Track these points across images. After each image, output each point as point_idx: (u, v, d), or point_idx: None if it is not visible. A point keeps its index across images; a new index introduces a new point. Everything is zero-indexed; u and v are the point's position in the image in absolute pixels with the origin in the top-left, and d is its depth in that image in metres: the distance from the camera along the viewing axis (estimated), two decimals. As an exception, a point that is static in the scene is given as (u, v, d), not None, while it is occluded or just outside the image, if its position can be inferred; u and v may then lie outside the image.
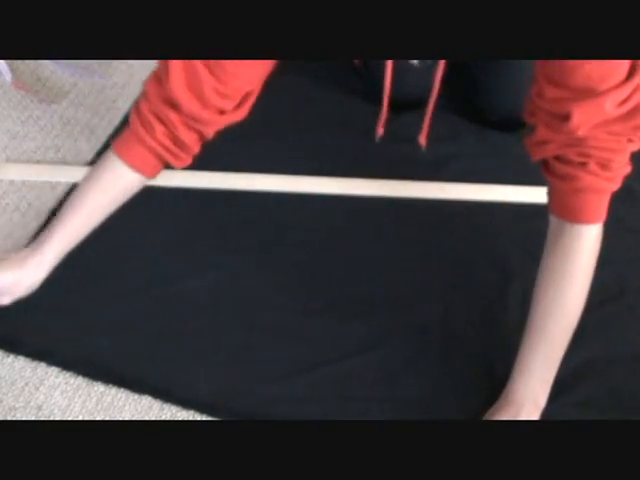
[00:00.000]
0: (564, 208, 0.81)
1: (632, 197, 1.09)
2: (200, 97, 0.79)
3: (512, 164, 1.12)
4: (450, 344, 0.92)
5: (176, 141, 0.83)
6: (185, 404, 0.86)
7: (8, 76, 1.19)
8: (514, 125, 1.14)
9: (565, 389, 0.88)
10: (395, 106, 1.15)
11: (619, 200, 1.08)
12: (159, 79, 0.80)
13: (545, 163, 0.81)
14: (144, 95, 0.82)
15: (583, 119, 0.73)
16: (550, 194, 0.83)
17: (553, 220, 0.84)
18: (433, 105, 1.06)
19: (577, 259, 0.82)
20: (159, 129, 0.81)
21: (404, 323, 0.94)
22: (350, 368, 0.90)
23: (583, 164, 0.77)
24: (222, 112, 0.82)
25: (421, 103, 1.09)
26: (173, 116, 0.81)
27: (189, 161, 0.87)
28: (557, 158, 0.79)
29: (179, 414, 0.86)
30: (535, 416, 0.83)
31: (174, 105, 0.80)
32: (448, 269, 1.00)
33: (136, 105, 0.83)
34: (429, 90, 1.06)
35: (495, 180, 1.10)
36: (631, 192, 1.09)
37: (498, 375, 0.89)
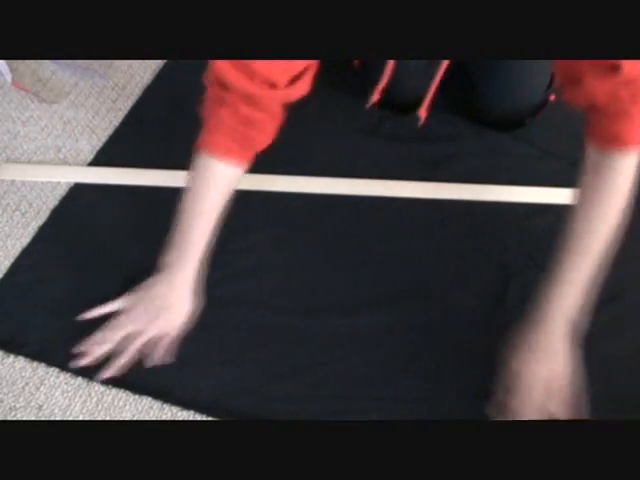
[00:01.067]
0: (609, 135, 0.81)
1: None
2: (244, 70, 0.80)
3: (511, 164, 1.12)
4: (450, 344, 0.92)
5: (242, 120, 0.85)
6: (185, 404, 0.86)
7: (8, 76, 1.19)
8: (512, 125, 1.14)
9: (565, 389, 0.88)
10: (396, 108, 1.15)
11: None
12: (209, 66, 0.83)
13: (591, 106, 0.81)
14: (204, 88, 0.85)
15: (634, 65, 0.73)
16: (590, 126, 0.83)
17: (591, 152, 0.83)
18: (440, 78, 1.06)
19: (617, 180, 0.82)
20: (222, 112, 0.84)
21: (404, 323, 0.94)
22: (350, 368, 0.90)
23: (635, 98, 0.77)
24: (273, 86, 0.83)
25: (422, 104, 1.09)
26: (228, 96, 0.83)
27: (267, 139, 0.89)
28: (608, 100, 0.79)
29: (179, 414, 0.86)
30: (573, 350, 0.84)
31: (224, 85, 0.82)
32: (448, 269, 1.00)
33: (201, 101, 0.87)
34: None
35: (494, 180, 1.10)
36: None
37: (498, 375, 0.89)
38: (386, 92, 1.09)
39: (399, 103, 1.15)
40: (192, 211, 0.90)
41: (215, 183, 0.89)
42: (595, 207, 0.83)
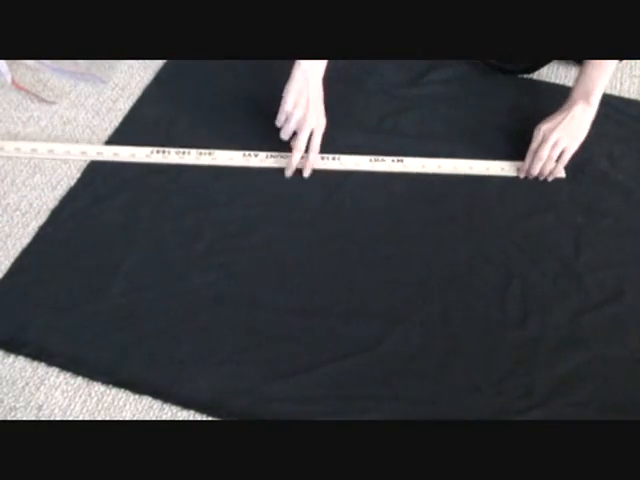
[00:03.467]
0: None
1: (631, 198, 1.09)
2: None
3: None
4: (450, 344, 0.92)
5: None
6: (185, 404, 0.86)
7: (8, 76, 1.19)
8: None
9: (565, 389, 0.88)
10: None
11: (619, 200, 1.09)
12: None
13: None
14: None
15: None
16: None
17: None
18: None
19: None
20: None
21: (404, 323, 0.94)
22: (350, 368, 0.90)
23: None
24: None
25: None
26: None
27: None
28: None
29: (179, 414, 0.86)
30: (589, 112, 1.06)
31: None
32: (448, 269, 1.00)
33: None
34: None
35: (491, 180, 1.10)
36: (630, 193, 1.10)
37: (498, 375, 0.89)
38: None
39: None
40: None
41: None
42: None
